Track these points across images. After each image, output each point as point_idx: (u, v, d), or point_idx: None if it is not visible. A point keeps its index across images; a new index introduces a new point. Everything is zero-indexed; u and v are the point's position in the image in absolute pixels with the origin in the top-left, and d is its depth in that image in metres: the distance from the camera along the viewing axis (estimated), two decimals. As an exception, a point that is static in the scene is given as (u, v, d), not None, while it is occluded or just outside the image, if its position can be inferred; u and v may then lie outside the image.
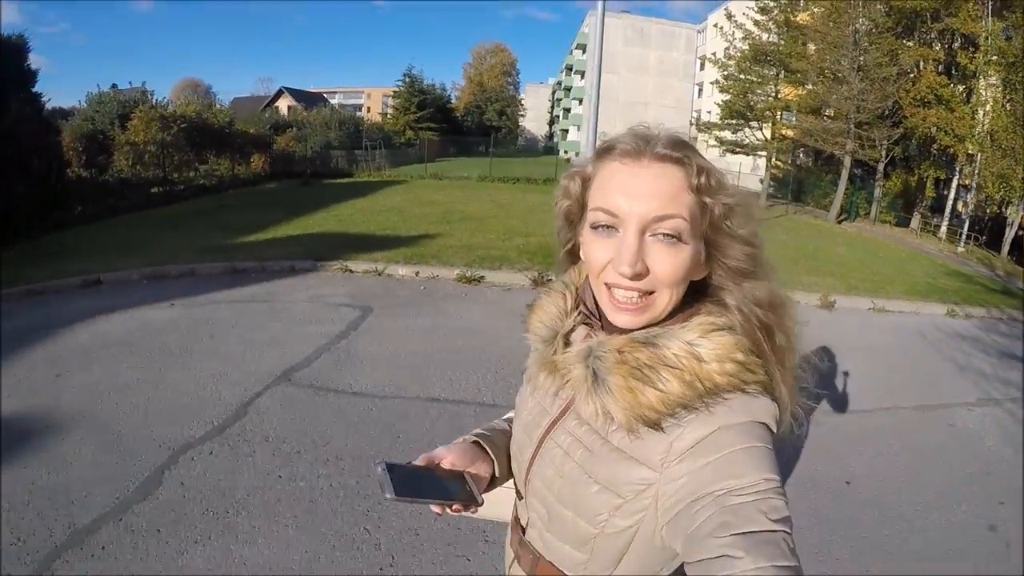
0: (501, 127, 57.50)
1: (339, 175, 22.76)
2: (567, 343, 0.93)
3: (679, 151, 0.82)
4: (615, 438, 0.84)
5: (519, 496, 1.02)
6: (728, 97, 23.34)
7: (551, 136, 66.78)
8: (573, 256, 0.98)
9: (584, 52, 52.78)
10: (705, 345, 0.80)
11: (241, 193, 17.10)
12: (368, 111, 58.27)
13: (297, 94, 55.38)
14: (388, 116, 48.18)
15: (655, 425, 0.80)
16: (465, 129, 52.24)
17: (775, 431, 0.82)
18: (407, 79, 47.43)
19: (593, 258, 0.84)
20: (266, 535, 2.65)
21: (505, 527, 1.10)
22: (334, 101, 58.44)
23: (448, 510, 0.93)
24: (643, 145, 0.82)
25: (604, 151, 0.86)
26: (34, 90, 18.34)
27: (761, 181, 24.68)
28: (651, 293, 0.82)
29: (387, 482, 0.82)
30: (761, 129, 23.00)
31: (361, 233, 9.55)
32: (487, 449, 1.05)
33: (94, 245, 8.84)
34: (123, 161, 16.62)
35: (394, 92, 48.73)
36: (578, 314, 0.95)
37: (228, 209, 12.99)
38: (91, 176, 15.22)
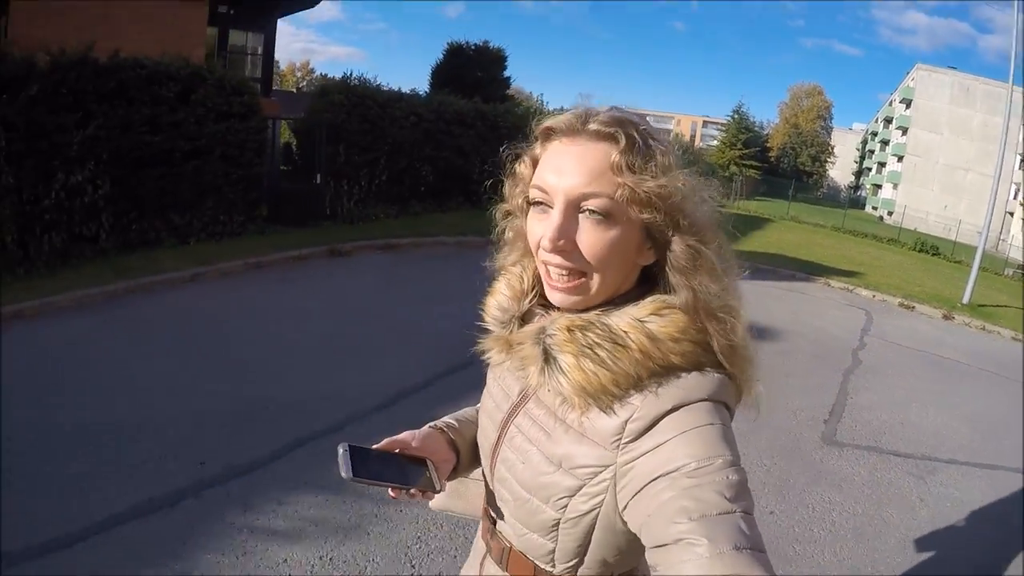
0: (812, 173, 58.90)
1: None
2: (523, 324, 0.96)
3: (612, 127, 0.82)
4: (570, 419, 0.86)
5: (487, 486, 1.03)
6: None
7: (856, 188, 65.88)
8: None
9: (908, 107, 51.99)
10: (657, 322, 0.82)
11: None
12: (675, 136, 62.34)
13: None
14: (715, 149, 52.11)
15: (607, 404, 0.82)
16: (780, 171, 54.42)
17: (733, 409, 0.85)
18: (736, 116, 51.06)
19: (530, 234, 0.88)
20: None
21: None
22: (647, 124, 63.60)
23: (405, 495, 0.97)
24: (580, 123, 0.85)
25: (548, 132, 0.89)
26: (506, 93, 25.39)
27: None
28: (583, 274, 0.84)
29: (346, 462, 0.86)
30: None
31: (805, 259, 14.39)
32: (452, 437, 1.09)
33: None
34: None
35: (723, 126, 52.99)
36: (534, 295, 0.97)
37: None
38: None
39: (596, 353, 0.81)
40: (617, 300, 0.88)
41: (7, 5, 10.68)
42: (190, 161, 8.86)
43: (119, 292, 6.73)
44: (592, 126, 0.84)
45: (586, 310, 0.88)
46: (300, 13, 20.47)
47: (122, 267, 7.32)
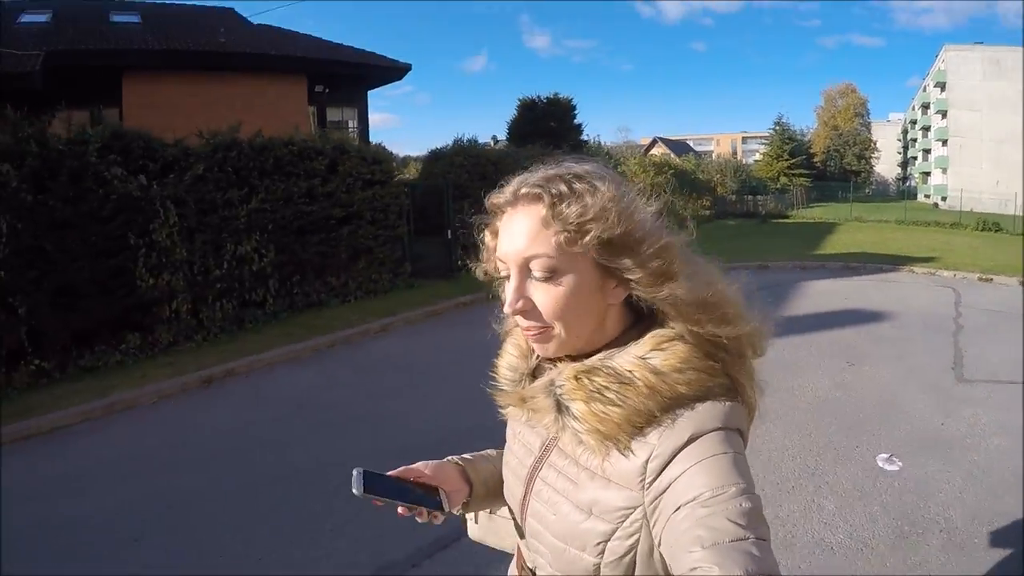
0: (860, 171, 58.90)
1: (774, 216, 29.59)
2: (534, 379, 0.99)
3: (538, 187, 0.87)
4: (593, 465, 0.88)
5: (521, 538, 1.05)
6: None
7: (905, 179, 65.47)
8: None
9: (943, 90, 51.35)
10: (659, 357, 0.85)
11: (714, 226, 24.10)
12: (718, 157, 62.95)
13: (667, 143, 62.53)
14: (759, 163, 52.59)
15: (625, 445, 0.84)
16: (827, 174, 55.01)
17: (746, 434, 0.87)
18: (778, 128, 51.67)
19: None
20: None
21: (506, 556, 1.19)
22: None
23: (417, 516, 0.99)
24: (513, 193, 0.90)
25: (498, 204, 0.94)
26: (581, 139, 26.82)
27: None
28: (549, 326, 0.89)
29: (359, 481, 0.90)
30: None
31: (884, 253, 15.84)
32: (465, 468, 1.13)
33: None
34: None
35: (766, 139, 54.01)
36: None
37: (741, 236, 20.08)
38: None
39: (605, 395, 0.84)
40: (619, 341, 0.92)
41: (121, 95, 11.98)
42: (344, 226, 10.02)
43: (322, 346, 7.80)
44: (523, 191, 0.89)
45: (591, 355, 0.92)
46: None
47: (307, 325, 8.55)
